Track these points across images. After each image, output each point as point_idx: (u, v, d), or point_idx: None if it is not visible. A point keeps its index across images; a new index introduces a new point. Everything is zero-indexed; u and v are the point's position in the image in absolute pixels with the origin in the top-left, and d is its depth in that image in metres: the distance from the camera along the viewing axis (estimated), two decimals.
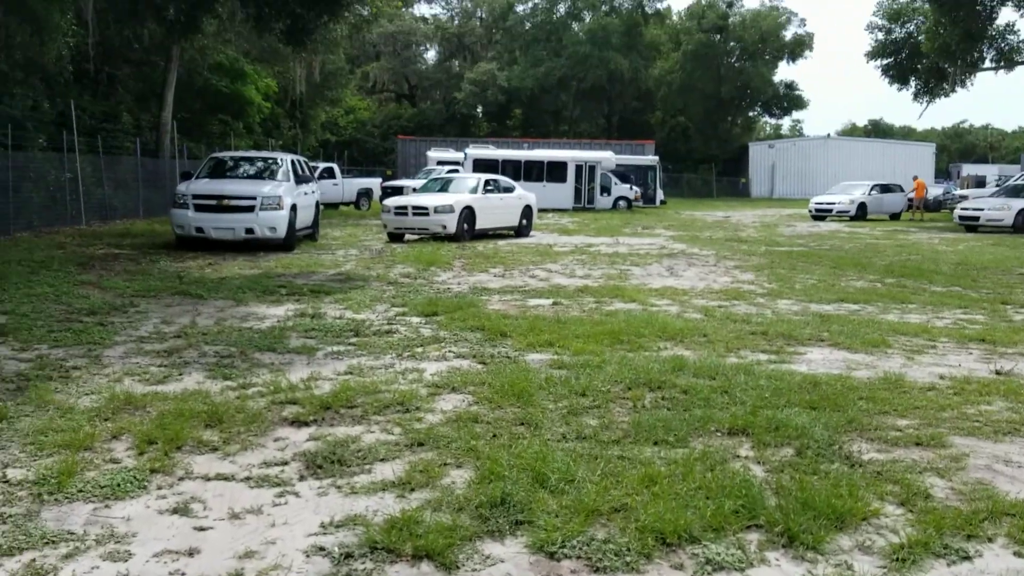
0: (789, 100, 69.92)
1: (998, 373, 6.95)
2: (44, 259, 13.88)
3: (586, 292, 11.41)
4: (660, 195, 43.67)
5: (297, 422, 5.44)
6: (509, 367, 6.86)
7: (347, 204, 35.15)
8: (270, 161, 18.68)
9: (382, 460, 4.77)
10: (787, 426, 5.31)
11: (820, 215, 34.61)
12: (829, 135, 67.53)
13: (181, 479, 4.48)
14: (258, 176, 17.84)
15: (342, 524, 3.92)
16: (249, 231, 16.06)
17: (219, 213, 16.09)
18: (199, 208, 16.13)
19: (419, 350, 7.60)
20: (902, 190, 37.61)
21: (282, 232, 16.32)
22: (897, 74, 40.17)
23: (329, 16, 17.36)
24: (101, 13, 22.43)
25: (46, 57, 21.82)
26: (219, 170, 18.05)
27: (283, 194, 16.55)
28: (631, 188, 40.02)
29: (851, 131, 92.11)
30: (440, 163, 38.59)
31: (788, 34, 66.29)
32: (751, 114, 73.04)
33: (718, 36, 65.33)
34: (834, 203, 34.60)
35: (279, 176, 17.72)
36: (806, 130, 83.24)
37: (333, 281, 12.32)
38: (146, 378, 6.49)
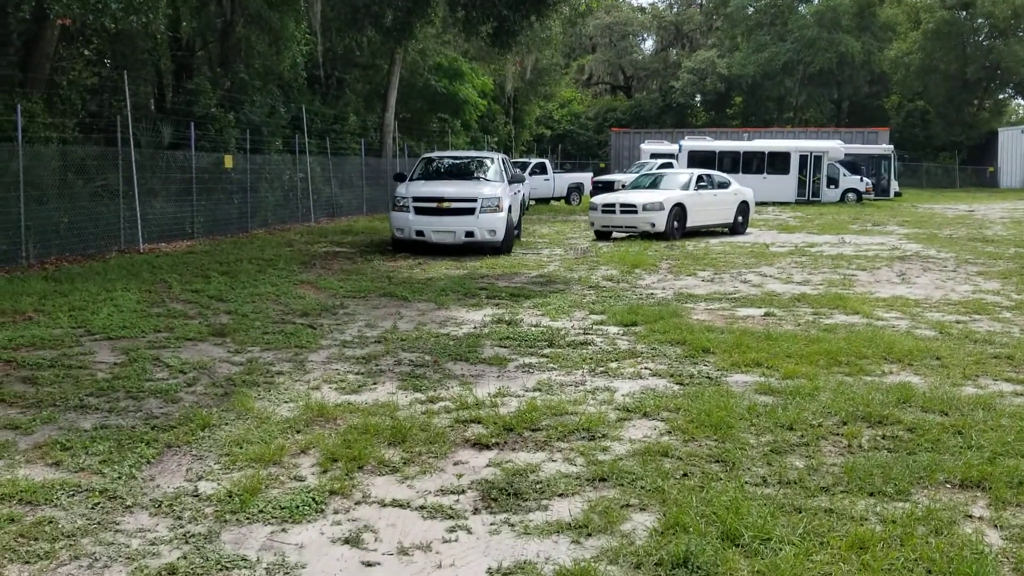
0: None
1: None
2: (272, 257, 14.79)
3: (803, 301, 10.58)
4: (895, 187, 40.53)
5: (479, 444, 5.27)
6: (708, 390, 6.37)
7: (558, 199, 35.29)
8: (483, 160, 18.43)
9: (560, 495, 4.49)
10: None
11: None
12: None
13: (358, 503, 4.41)
14: (472, 177, 17.44)
15: (510, 572, 3.67)
16: (469, 234, 15.67)
17: (439, 216, 15.74)
18: (419, 211, 15.84)
19: (613, 365, 7.25)
20: None
21: (501, 235, 15.88)
22: None
23: (536, 16, 17.25)
24: (328, 22, 23.70)
25: (282, 65, 23.42)
26: (433, 171, 17.82)
27: (501, 195, 16.14)
28: (861, 180, 37.42)
29: None
30: (654, 156, 37.91)
31: None
32: (1001, 96, 66.22)
33: (964, 13, 59.63)
34: None
35: (493, 176, 17.29)
36: None
37: (534, 284, 12.21)
38: (342, 386, 6.58)
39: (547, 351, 7.83)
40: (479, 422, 5.66)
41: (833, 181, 36.62)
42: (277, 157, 22.66)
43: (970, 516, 4.21)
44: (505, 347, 8.01)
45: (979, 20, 59.98)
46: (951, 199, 41.37)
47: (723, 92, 65.05)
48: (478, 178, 17.30)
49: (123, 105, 16.23)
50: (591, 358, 7.52)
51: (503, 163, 18.29)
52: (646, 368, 7.17)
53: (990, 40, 60.29)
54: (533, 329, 8.80)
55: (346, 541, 3.98)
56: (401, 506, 4.37)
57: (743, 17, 66.45)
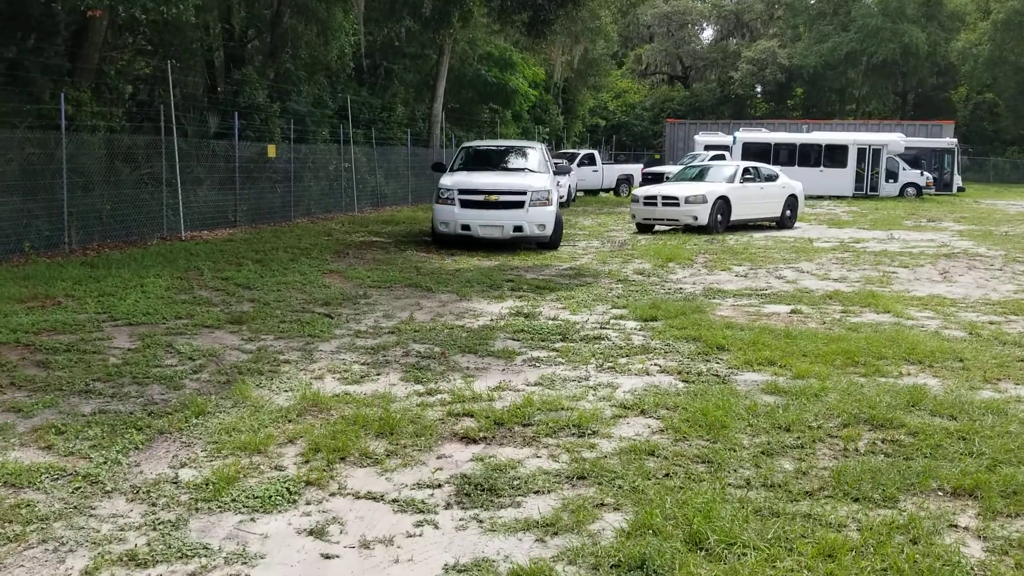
0: None
1: None
2: (308, 246, 14.93)
3: (835, 298, 10.31)
4: (958, 181, 39.36)
5: (467, 438, 5.23)
6: (713, 388, 6.24)
7: (607, 191, 35.04)
8: (525, 150, 17.67)
9: (536, 493, 4.43)
10: None
11: None
12: None
13: (333, 495, 4.41)
14: (517, 168, 16.57)
15: (466, 569, 3.63)
16: (518, 229, 14.88)
17: (486, 210, 14.91)
18: (465, 204, 14.97)
19: (622, 361, 7.15)
20: None
21: (550, 229, 15.14)
22: None
23: (572, 5, 17.07)
24: (370, 12, 23.85)
25: (329, 55, 23.61)
26: (474, 161, 16.94)
27: (551, 187, 15.42)
28: (922, 174, 36.44)
29: None
30: (708, 147, 37.44)
31: None
32: None
33: None
34: None
35: (538, 167, 16.45)
36: None
37: (563, 276, 12.12)
38: (345, 377, 6.60)
39: (559, 345, 7.75)
40: (471, 415, 5.62)
41: (892, 175, 35.73)
42: (323, 147, 22.88)
43: (955, 526, 4.04)
44: (517, 340, 7.96)
45: None
46: (1016, 195, 40.02)
47: (783, 83, 63.88)
48: (523, 169, 16.45)
49: (170, 95, 16.54)
50: (601, 353, 7.42)
51: (545, 153, 17.72)
52: (655, 365, 7.06)
53: None
54: (549, 323, 8.73)
55: (311, 533, 3.98)
56: (374, 499, 4.36)
57: (805, 6, 65.10)
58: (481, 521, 4.11)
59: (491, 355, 7.37)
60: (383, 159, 26.15)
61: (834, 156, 35.33)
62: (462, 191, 15.10)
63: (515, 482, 4.55)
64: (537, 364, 7.08)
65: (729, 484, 4.49)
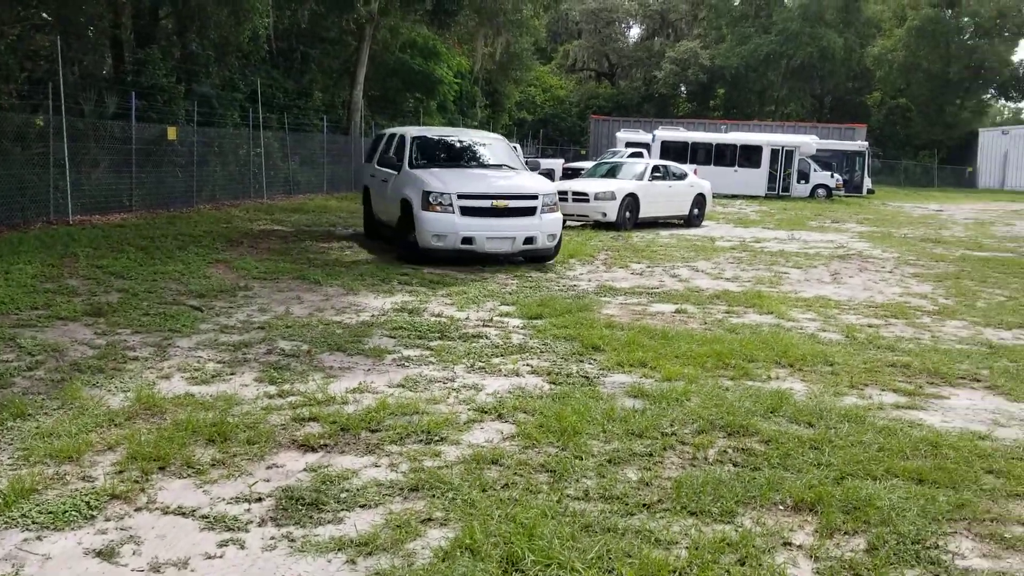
0: None
1: None
2: (201, 234, 14.36)
3: (722, 298, 10.29)
4: (868, 184, 40.39)
5: (305, 446, 4.93)
6: (578, 391, 6.06)
7: None
8: (492, 144, 14.66)
9: (362, 507, 4.16)
10: (870, 505, 4.22)
11: None
12: None
13: (138, 510, 4.07)
14: (494, 164, 13.75)
15: None
16: (529, 240, 12.34)
17: (494, 218, 12.20)
18: (467, 212, 12.03)
19: (495, 361, 6.93)
20: None
21: (556, 240, 12.91)
22: None
23: None
24: None
25: (241, 36, 22.84)
26: (436, 156, 13.68)
27: (555, 191, 13.27)
28: (832, 176, 37.31)
29: None
30: (628, 144, 37.60)
31: None
32: (984, 97, 66.02)
33: (949, 11, 59.43)
34: None
35: (518, 164, 14.03)
36: None
37: (459, 271, 11.84)
38: (195, 377, 6.23)
39: (434, 344, 7.50)
40: (317, 420, 5.33)
41: (804, 176, 36.46)
42: (232, 131, 22.14)
43: (789, 544, 3.91)
44: (393, 338, 7.67)
45: (964, 19, 59.78)
46: (924, 198, 41.25)
47: (706, 83, 64.74)
48: (501, 166, 13.70)
49: (69, 72, 15.72)
50: (475, 352, 7.19)
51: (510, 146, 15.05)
52: (527, 365, 6.85)
53: (974, 40, 60.09)
54: (431, 319, 8.47)
55: (99, 554, 3.64)
56: (183, 514, 4.04)
57: (728, 8, 66.03)
58: (293, 540, 3.82)
59: (360, 354, 7.07)
60: (298, 145, 25.49)
61: (749, 156, 35.94)
62: (462, 196, 12.09)
63: (343, 495, 4.28)
64: (406, 364, 6.81)
65: (568, 495, 4.30)
